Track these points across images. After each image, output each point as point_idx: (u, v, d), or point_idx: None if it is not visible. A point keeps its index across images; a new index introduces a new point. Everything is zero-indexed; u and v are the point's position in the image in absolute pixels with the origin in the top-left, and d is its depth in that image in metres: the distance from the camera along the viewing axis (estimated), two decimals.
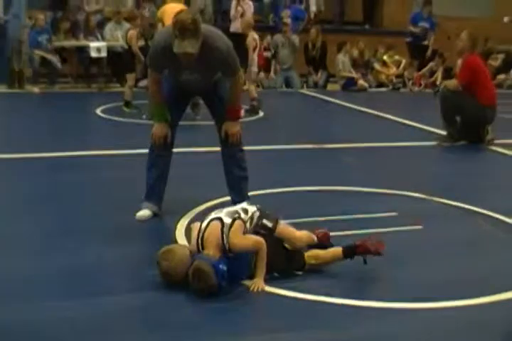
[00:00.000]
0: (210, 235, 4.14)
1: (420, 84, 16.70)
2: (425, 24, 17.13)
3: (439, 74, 16.63)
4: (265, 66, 15.74)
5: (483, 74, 9.40)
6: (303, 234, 4.59)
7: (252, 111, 11.46)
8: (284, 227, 4.51)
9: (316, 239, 4.65)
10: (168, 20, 10.04)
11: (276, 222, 4.44)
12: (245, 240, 4.17)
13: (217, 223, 4.18)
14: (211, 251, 4.08)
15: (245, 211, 4.35)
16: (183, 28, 4.74)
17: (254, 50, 11.82)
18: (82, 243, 4.86)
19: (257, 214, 4.39)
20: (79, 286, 4.13)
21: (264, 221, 4.42)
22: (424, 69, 16.84)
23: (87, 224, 5.33)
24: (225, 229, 4.14)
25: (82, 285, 4.14)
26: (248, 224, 4.30)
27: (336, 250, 4.49)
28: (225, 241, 4.11)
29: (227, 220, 4.18)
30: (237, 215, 4.25)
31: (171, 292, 4.02)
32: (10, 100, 13.18)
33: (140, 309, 3.89)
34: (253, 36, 11.83)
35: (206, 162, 7.12)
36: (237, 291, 4.05)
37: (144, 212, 5.45)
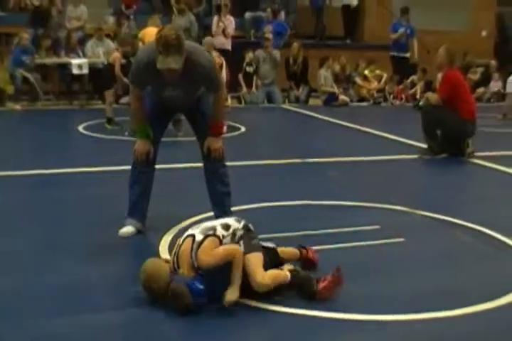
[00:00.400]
0: (183, 253, 4.12)
1: (401, 98, 16.81)
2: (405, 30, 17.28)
3: (418, 88, 16.78)
4: (247, 81, 15.78)
5: (463, 88, 9.48)
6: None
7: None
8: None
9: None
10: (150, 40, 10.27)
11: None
12: (211, 256, 4.04)
13: (189, 240, 4.15)
14: (185, 270, 4.07)
15: (226, 227, 4.26)
16: (167, 43, 4.71)
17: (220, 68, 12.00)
18: (65, 260, 4.86)
19: (241, 232, 4.27)
20: (62, 304, 4.13)
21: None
22: (407, 82, 16.95)
23: (71, 240, 5.32)
24: (195, 246, 4.09)
25: (65, 303, 4.14)
26: (227, 240, 4.20)
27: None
28: (193, 259, 4.06)
29: (199, 237, 4.12)
30: (211, 232, 4.16)
31: (153, 309, 4.03)
32: None
33: (122, 326, 3.89)
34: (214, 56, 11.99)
35: (189, 177, 7.16)
36: (219, 307, 4.04)
37: (128, 229, 5.45)
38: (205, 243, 4.10)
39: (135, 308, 4.05)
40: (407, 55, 17.42)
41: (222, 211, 5.57)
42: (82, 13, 16.04)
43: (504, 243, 5.52)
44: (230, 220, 4.37)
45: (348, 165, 8.78)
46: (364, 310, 4.08)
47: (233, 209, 5.81)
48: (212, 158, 5.47)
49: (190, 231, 4.25)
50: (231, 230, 4.26)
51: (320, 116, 13.63)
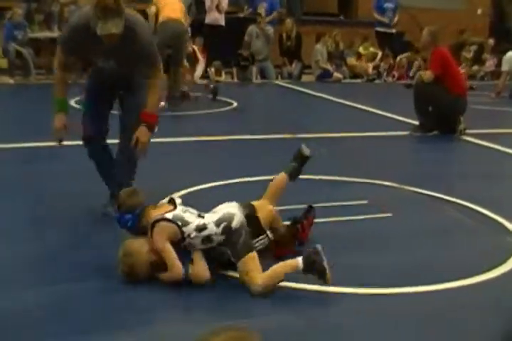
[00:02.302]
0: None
1: (394, 75, 16.78)
2: (390, 4, 17.20)
3: (421, 65, 16.65)
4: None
5: (451, 64, 9.53)
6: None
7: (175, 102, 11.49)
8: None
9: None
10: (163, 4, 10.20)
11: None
12: (156, 240, 4.04)
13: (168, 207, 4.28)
14: None
15: (200, 229, 4.09)
16: (106, 7, 4.48)
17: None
18: (58, 231, 4.88)
19: (220, 238, 4.09)
20: (44, 273, 4.18)
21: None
22: (401, 60, 16.92)
23: (58, 212, 5.34)
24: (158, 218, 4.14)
25: (45, 273, 4.18)
26: (195, 241, 4.09)
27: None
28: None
29: (168, 215, 4.13)
30: (180, 223, 4.09)
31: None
32: None
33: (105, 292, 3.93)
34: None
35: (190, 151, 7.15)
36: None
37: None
38: (162, 224, 4.09)
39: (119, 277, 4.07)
40: (393, 30, 17.36)
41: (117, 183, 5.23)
42: None
43: (492, 219, 5.54)
44: (210, 221, 4.13)
45: (338, 140, 8.80)
46: (349, 283, 4.10)
47: (222, 183, 5.83)
48: (137, 150, 5.06)
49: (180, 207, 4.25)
50: (205, 233, 4.08)
51: (312, 92, 13.63)
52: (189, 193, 5.79)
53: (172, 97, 10.60)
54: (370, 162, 7.64)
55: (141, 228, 4.17)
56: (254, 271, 3.95)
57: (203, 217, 4.19)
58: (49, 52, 15.04)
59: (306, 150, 4.96)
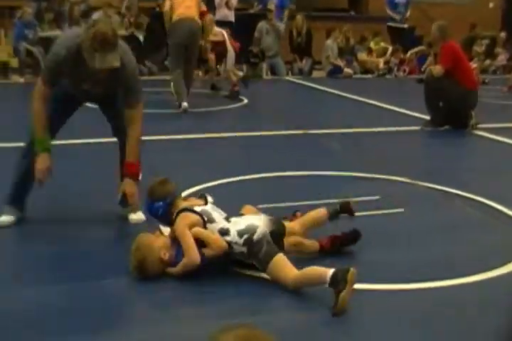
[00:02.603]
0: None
1: (404, 70, 16.72)
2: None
3: (432, 60, 16.57)
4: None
5: (461, 58, 9.47)
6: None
7: (232, 96, 11.50)
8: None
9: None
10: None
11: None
12: (178, 227, 4.07)
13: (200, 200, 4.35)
14: None
15: (224, 232, 4.10)
16: (105, 41, 4.32)
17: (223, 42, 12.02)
18: (62, 229, 4.88)
19: (241, 249, 4.05)
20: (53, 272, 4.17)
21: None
22: (411, 54, 16.85)
23: (61, 211, 5.34)
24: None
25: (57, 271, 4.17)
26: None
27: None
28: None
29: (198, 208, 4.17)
30: (206, 218, 4.12)
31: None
32: None
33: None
34: (216, 31, 11.92)
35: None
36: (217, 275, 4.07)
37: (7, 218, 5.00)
38: (187, 214, 4.12)
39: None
40: (405, 25, 17.31)
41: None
42: None
43: (505, 214, 5.51)
44: (234, 229, 4.10)
45: (349, 136, 8.78)
46: (361, 279, 4.07)
47: (233, 179, 5.82)
48: (127, 203, 4.86)
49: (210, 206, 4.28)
50: (226, 238, 4.07)
51: (323, 88, 13.61)
52: (199, 190, 5.77)
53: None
54: (381, 157, 7.61)
55: (171, 217, 4.19)
56: (285, 269, 3.89)
57: (229, 222, 4.19)
58: None
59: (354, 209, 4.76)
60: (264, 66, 15.76)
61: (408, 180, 6.40)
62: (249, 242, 4.03)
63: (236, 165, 6.71)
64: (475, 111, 9.34)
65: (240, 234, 4.06)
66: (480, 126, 9.26)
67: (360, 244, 4.62)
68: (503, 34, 18.34)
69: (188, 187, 5.80)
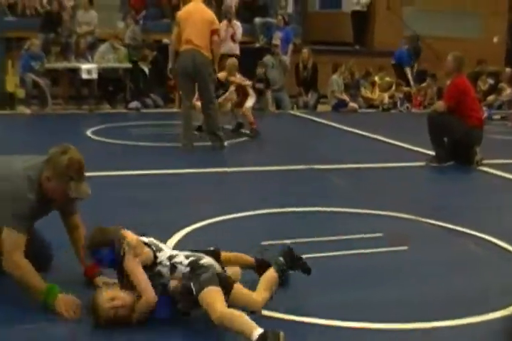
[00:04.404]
0: None
1: (407, 107, 16.69)
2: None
3: (434, 95, 16.63)
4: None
5: (470, 95, 9.46)
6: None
7: (254, 134, 11.50)
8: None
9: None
10: (185, 26, 9.87)
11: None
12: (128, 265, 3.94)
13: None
14: None
15: (170, 257, 4.04)
16: (81, 168, 4.16)
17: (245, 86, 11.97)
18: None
19: (185, 269, 3.96)
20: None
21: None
22: (418, 88, 16.94)
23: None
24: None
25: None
26: (164, 270, 4.01)
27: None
28: None
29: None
30: (154, 248, 4.07)
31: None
32: (1, 121, 13.22)
33: None
34: (237, 80, 11.87)
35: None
36: None
37: None
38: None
39: None
40: (407, 68, 17.38)
41: None
42: (93, 17, 16.09)
43: (510, 251, 5.48)
44: (181, 254, 4.08)
45: (354, 172, 8.76)
46: (362, 318, 4.05)
47: (238, 215, 5.81)
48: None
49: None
50: (173, 261, 4.01)
51: (328, 123, 13.61)
52: (203, 226, 5.77)
53: (212, 133, 10.16)
54: (385, 193, 7.60)
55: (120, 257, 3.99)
56: (215, 302, 3.72)
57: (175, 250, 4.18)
58: (66, 82, 15.23)
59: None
60: (270, 98, 15.77)
61: (412, 217, 6.37)
62: (194, 263, 3.96)
63: (240, 200, 6.71)
64: (480, 147, 9.32)
65: (187, 256, 4.03)
66: (485, 161, 9.24)
67: (363, 282, 4.60)
68: (508, 70, 18.37)
69: (192, 223, 5.79)
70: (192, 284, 3.83)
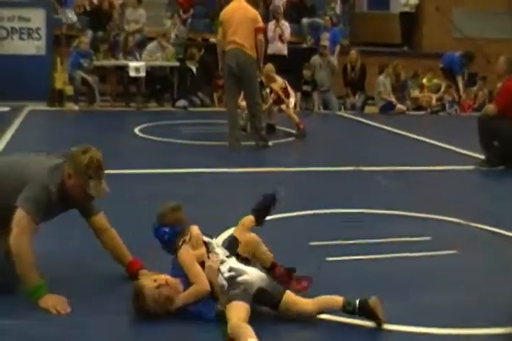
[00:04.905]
0: None
1: (456, 110, 16.51)
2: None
3: (485, 98, 16.38)
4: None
5: None
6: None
7: (301, 135, 11.43)
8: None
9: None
10: (228, 25, 9.88)
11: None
12: (183, 259, 4.06)
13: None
14: None
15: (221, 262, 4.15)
16: (100, 167, 4.25)
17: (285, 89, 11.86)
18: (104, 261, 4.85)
19: (224, 283, 4.04)
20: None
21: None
22: (467, 91, 16.75)
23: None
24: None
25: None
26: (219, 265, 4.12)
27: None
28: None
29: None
30: (210, 248, 4.21)
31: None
32: (51, 118, 13.37)
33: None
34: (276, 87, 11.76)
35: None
36: None
37: None
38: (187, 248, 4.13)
39: None
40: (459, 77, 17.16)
41: None
42: (141, 15, 16.19)
43: None
44: (229, 263, 4.15)
45: (402, 174, 8.68)
46: (413, 322, 4.00)
47: (285, 215, 5.78)
48: None
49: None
50: (220, 267, 4.11)
51: (376, 124, 13.52)
52: None
53: (256, 133, 10.17)
54: (433, 196, 7.52)
55: (176, 245, 4.15)
56: (232, 316, 3.80)
57: (228, 257, 4.22)
58: (114, 80, 15.35)
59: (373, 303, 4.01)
60: (316, 99, 15.72)
61: (461, 221, 6.29)
62: (231, 279, 4.03)
63: (287, 200, 6.65)
64: None
65: (230, 269, 4.09)
66: None
67: (411, 286, 4.55)
68: None
69: (236, 223, 5.76)
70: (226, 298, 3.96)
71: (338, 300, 3.97)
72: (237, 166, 8.49)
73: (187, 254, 4.07)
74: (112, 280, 4.59)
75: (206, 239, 4.28)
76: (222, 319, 3.87)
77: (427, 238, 5.71)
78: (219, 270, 4.07)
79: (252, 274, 4.08)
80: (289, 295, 4.04)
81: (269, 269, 4.42)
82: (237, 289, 3.97)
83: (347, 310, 3.95)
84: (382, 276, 4.77)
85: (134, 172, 8.02)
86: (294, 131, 11.61)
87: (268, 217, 5.98)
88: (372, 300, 3.87)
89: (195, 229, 4.27)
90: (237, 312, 3.82)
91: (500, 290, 4.66)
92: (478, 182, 8.85)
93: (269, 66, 11.77)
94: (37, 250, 4.15)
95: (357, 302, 3.93)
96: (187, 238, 4.16)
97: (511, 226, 6.09)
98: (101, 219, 4.61)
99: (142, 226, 4.61)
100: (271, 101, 11.56)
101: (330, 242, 5.27)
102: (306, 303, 4.03)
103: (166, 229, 4.20)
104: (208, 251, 4.17)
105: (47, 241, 4.76)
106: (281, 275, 4.40)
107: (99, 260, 4.74)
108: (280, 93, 11.59)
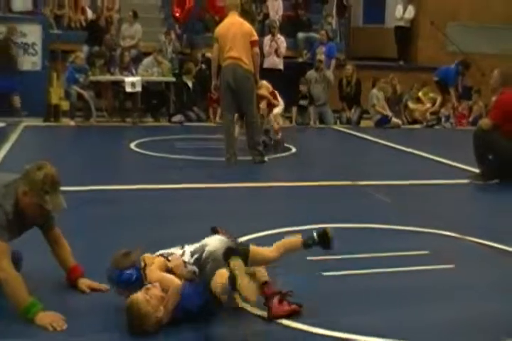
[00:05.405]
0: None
1: (464, 117, 16.51)
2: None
3: (482, 111, 16.38)
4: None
5: None
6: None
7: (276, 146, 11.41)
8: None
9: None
10: (224, 41, 9.88)
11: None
12: (151, 276, 4.14)
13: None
14: None
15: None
16: (56, 181, 4.29)
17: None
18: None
19: (193, 268, 4.24)
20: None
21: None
22: (463, 105, 16.77)
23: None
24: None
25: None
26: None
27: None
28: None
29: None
30: (166, 255, 4.30)
31: None
32: (46, 133, 13.37)
33: None
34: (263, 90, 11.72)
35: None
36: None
37: None
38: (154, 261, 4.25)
39: None
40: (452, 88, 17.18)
41: None
42: (137, 31, 16.26)
43: None
44: (188, 250, 4.32)
45: (398, 188, 8.68)
46: (402, 336, 3.99)
47: (281, 230, 5.79)
48: None
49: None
50: (184, 259, 4.28)
51: (371, 138, 13.54)
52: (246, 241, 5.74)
53: (253, 147, 10.16)
54: (429, 210, 7.52)
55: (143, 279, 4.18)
56: (217, 277, 3.99)
57: (183, 248, 4.37)
58: (110, 95, 15.38)
59: (332, 233, 4.56)
60: (312, 113, 15.75)
61: (458, 235, 6.29)
62: (197, 260, 4.22)
63: (284, 215, 6.67)
64: None
65: (192, 253, 4.28)
66: None
67: (407, 300, 4.55)
68: None
69: (238, 237, 5.76)
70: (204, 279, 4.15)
71: (297, 240, 4.50)
72: (233, 181, 8.49)
73: (150, 271, 4.16)
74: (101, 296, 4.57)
75: (161, 252, 4.37)
76: (216, 301, 4.02)
77: (425, 252, 5.70)
78: (184, 262, 4.22)
79: (212, 243, 4.27)
80: (253, 249, 4.35)
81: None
82: (208, 264, 4.16)
83: (308, 244, 4.49)
84: (378, 291, 4.77)
85: (130, 188, 8.01)
86: (291, 146, 11.60)
87: (264, 233, 6.04)
88: (329, 230, 4.49)
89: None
90: (223, 276, 3.95)
91: (498, 306, 4.65)
92: (473, 196, 8.85)
93: (265, 82, 11.81)
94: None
95: (315, 234, 4.49)
96: (141, 263, 4.24)
97: (507, 241, 6.08)
98: (57, 232, 4.67)
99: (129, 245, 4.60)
100: (264, 108, 11.49)
101: (327, 257, 5.26)
102: (269, 251, 4.41)
103: (129, 271, 4.18)
104: (167, 258, 4.27)
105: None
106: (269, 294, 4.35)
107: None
108: (269, 97, 11.56)
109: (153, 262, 4.23)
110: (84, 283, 4.59)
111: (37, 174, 4.23)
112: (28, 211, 4.29)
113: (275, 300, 4.22)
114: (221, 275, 3.97)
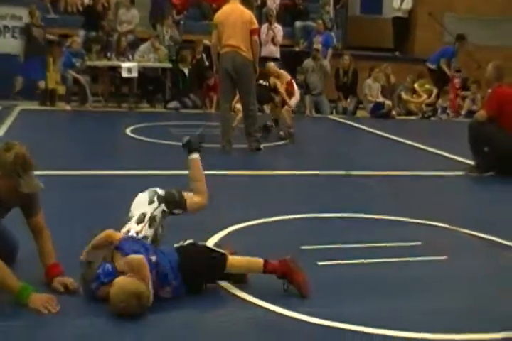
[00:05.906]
0: None
1: (448, 113, 16.53)
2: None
3: (479, 102, 16.38)
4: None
5: (511, 105, 9.30)
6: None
7: (288, 138, 11.39)
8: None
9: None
10: (223, 28, 9.82)
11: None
12: (124, 265, 4.07)
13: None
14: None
15: (140, 219, 4.49)
16: (28, 162, 4.12)
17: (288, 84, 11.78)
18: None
19: (160, 209, 4.59)
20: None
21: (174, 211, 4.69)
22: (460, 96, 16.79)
23: None
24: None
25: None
26: (147, 232, 4.46)
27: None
28: None
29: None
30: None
31: None
32: (42, 117, 13.34)
33: None
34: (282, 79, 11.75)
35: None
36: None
37: None
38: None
39: None
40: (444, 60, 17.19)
41: None
42: (134, 16, 16.20)
43: None
44: (131, 229, 4.45)
45: (392, 179, 8.70)
46: (394, 326, 4.01)
47: (275, 219, 5.80)
48: None
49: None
50: (147, 218, 4.50)
51: (367, 128, 13.55)
52: (237, 230, 5.76)
53: (249, 134, 10.17)
54: (424, 202, 7.54)
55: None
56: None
57: (129, 220, 4.55)
58: (106, 80, 15.35)
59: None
60: (308, 103, 15.75)
61: (451, 227, 6.30)
62: (150, 226, 4.50)
63: (277, 204, 6.66)
64: None
65: (137, 222, 4.49)
66: None
67: (400, 291, 4.57)
68: None
69: (230, 225, 5.79)
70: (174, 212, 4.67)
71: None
72: (228, 169, 8.48)
73: (117, 260, 4.15)
74: None
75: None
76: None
77: (418, 243, 5.72)
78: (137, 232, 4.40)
79: (143, 202, 4.63)
80: (185, 195, 4.79)
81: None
82: (154, 225, 4.51)
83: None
84: (371, 281, 4.78)
85: (124, 174, 8.01)
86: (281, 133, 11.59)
87: (259, 221, 6.05)
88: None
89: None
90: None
91: (489, 297, 4.67)
92: (468, 188, 8.87)
93: (270, 64, 11.83)
94: None
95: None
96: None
97: (501, 233, 6.09)
98: (39, 219, 4.46)
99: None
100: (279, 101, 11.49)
101: (321, 246, 5.28)
102: (194, 196, 4.86)
103: (100, 270, 4.10)
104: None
105: None
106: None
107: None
108: (285, 96, 11.53)
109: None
110: (59, 280, 4.31)
111: (6, 156, 4.06)
112: (2, 194, 4.17)
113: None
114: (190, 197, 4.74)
